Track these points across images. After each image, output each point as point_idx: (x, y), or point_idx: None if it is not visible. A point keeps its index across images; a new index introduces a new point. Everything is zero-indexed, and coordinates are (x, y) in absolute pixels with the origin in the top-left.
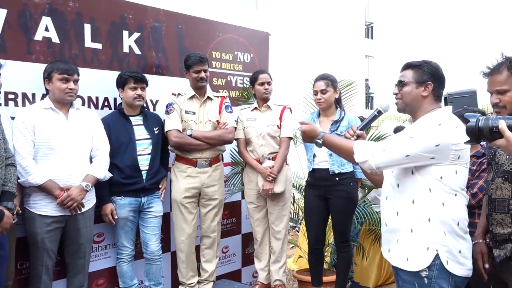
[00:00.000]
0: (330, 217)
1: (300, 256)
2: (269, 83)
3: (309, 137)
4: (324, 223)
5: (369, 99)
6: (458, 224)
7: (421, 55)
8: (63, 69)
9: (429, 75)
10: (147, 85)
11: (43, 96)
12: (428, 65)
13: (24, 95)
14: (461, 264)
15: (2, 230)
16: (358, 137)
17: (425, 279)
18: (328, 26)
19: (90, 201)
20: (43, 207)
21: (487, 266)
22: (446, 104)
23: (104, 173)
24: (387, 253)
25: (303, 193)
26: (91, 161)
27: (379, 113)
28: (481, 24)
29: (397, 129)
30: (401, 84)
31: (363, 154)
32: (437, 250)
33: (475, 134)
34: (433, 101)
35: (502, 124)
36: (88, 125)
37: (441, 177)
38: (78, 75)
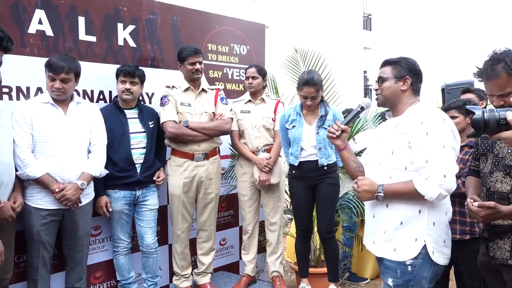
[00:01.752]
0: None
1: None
2: (254, 78)
3: (370, 193)
4: (311, 212)
5: (367, 91)
6: (446, 214)
7: (419, 47)
8: (50, 67)
9: (407, 70)
10: (141, 79)
11: (37, 90)
12: (406, 61)
13: (19, 89)
14: (443, 254)
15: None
16: (343, 132)
17: (409, 267)
18: (326, 18)
19: (88, 195)
20: (39, 200)
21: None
22: (443, 95)
23: (100, 170)
24: (372, 244)
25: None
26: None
27: (362, 109)
28: (480, 15)
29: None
30: (380, 80)
31: (433, 191)
32: (424, 241)
33: (481, 127)
34: (412, 95)
35: (511, 116)
36: (87, 120)
37: None
38: (68, 73)
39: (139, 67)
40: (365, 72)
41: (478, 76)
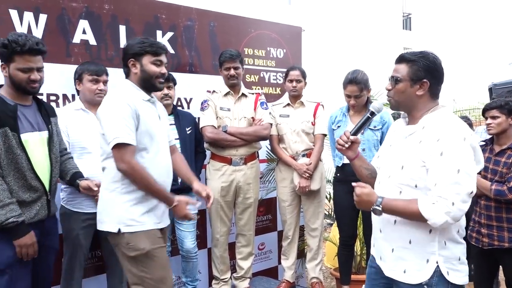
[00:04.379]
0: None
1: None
2: (298, 81)
3: (366, 202)
4: (355, 218)
5: None
6: (458, 231)
7: (463, 46)
8: (93, 70)
9: (425, 72)
10: (174, 83)
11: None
12: (425, 59)
13: (65, 96)
14: (460, 272)
15: (19, 251)
16: (352, 143)
17: (425, 286)
18: (364, 18)
19: None
20: (78, 204)
21: None
22: (491, 95)
23: None
24: (379, 260)
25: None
26: None
27: (372, 114)
28: None
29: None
30: (394, 79)
31: (438, 217)
32: (437, 262)
33: None
34: (429, 99)
35: None
36: None
37: None
38: (107, 75)
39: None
40: None
41: None
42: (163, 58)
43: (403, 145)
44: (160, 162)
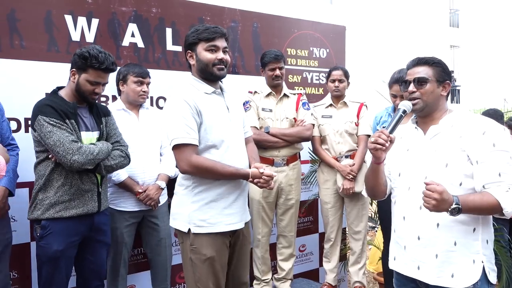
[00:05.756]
0: None
1: (381, 258)
2: (340, 81)
3: (445, 204)
4: None
5: (455, 93)
6: (491, 231)
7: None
8: (138, 73)
9: (446, 74)
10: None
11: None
12: (442, 63)
13: (114, 98)
14: (495, 272)
15: None
16: (390, 142)
17: None
18: (408, 15)
19: (163, 195)
20: (122, 203)
21: None
22: None
23: (174, 171)
24: (416, 270)
25: None
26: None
27: (404, 112)
28: None
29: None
30: (419, 81)
31: None
32: (482, 262)
33: None
34: (445, 100)
35: None
36: (157, 124)
37: None
38: (150, 78)
39: None
40: (452, 71)
41: None
42: (219, 42)
43: (431, 145)
44: (231, 158)
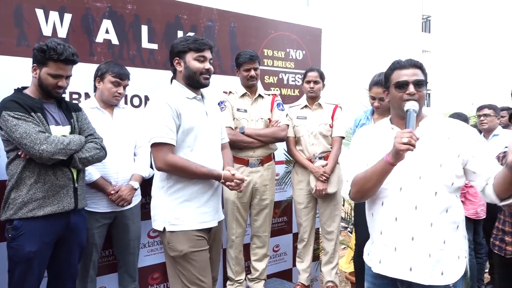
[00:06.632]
0: None
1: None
2: (316, 82)
3: None
4: None
5: (426, 96)
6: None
7: (484, 49)
8: (117, 73)
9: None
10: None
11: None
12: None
13: (87, 95)
14: (469, 266)
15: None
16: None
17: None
18: (383, 20)
19: (136, 197)
20: (93, 204)
21: None
22: None
23: (148, 171)
24: (408, 272)
25: None
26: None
27: (414, 112)
28: None
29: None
30: (419, 84)
31: None
32: (465, 257)
33: None
34: None
35: None
36: (132, 124)
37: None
38: (129, 80)
39: None
40: None
41: None
42: (207, 53)
43: (421, 146)
44: (205, 160)
